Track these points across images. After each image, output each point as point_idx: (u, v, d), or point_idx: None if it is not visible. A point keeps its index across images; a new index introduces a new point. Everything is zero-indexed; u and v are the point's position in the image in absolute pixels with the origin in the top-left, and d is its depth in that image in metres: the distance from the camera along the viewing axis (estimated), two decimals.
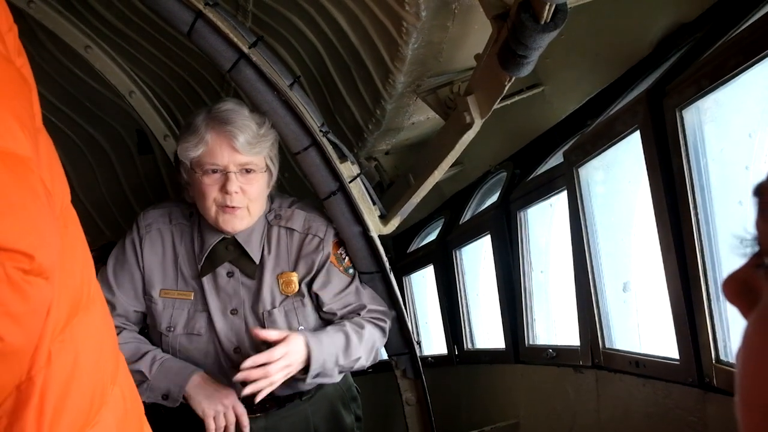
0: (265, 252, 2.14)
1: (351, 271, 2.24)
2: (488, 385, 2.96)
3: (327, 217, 2.23)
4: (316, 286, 2.15)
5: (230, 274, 2.13)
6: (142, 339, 2.16)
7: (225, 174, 2.01)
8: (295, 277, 2.13)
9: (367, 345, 2.14)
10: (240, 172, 2.02)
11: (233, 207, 2.02)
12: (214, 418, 2.00)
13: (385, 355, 2.60)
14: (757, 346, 0.42)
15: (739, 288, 0.45)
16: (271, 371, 1.92)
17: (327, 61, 2.56)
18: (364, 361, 2.16)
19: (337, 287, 2.18)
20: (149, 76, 3.45)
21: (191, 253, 2.15)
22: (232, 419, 2.02)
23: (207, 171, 2.02)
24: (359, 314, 2.20)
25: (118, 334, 2.07)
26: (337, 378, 2.13)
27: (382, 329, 2.24)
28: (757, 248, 0.43)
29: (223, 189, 2.00)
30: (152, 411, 2.90)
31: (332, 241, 2.19)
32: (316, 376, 2.02)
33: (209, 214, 2.05)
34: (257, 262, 2.12)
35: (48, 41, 3.55)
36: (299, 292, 2.14)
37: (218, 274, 2.13)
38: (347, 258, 2.23)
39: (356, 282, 2.23)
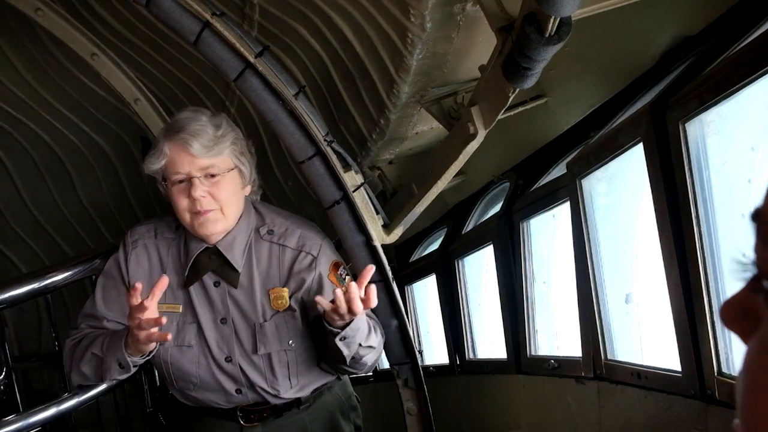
0: (255, 266, 2.14)
1: None
2: (490, 396, 2.96)
3: (321, 234, 2.22)
4: (309, 301, 2.12)
5: (217, 284, 2.15)
6: (100, 333, 2.16)
7: (190, 181, 2.03)
8: (285, 293, 2.13)
9: (378, 343, 2.16)
10: (205, 176, 2.04)
11: (205, 210, 2.04)
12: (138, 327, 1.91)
13: (386, 365, 2.60)
14: (761, 374, 0.41)
15: (738, 313, 0.44)
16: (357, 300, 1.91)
17: (332, 70, 2.58)
18: (373, 358, 2.15)
19: None
20: (154, 84, 3.47)
21: (178, 264, 2.17)
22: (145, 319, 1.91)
23: (174, 181, 2.05)
24: None
25: (81, 340, 2.12)
26: (346, 359, 2.06)
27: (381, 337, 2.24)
28: (755, 272, 0.43)
29: (190, 196, 2.03)
30: (153, 417, 2.91)
31: (331, 262, 2.17)
32: (342, 339, 2.00)
33: (185, 221, 2.08)
34: (239, 270, 2.13)
35: (55, 48, 3.58)
36: (290, 307, 2.14)
37: (206, 284, 2.15)
38: (349, 276, 2.20)
39: None
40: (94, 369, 2.10)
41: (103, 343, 2.08)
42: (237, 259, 2.12)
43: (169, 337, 1.99)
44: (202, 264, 2.13)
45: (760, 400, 0.41)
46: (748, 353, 0.42)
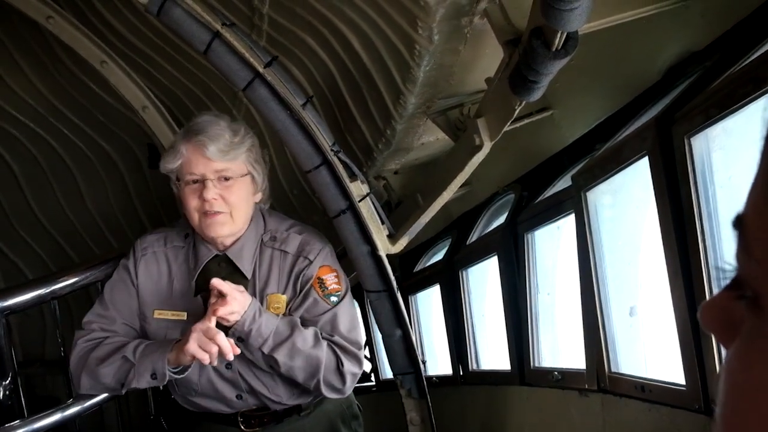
0: (257, 272, 2.15)
1: (333, 299, 2.16)
2: (493, 407, 2.95)
3: (323, 242, 2.21)
4: (293, 306, 2.14)
5: None
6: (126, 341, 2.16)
7: (203, 182, 2.07)
8: (283, 300, 2.14)
9: (306, 360, 2.07)
10: (218, 179, 2.08)
11: (214, 213, 2.07)
12: (198, 345, 1.94)
13: (389, 374, 2.60)
14: (741, 379, 0.41)
15: (720, 317, 0.45)
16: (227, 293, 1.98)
17: (339, 81, 2.60)
18: (294, 370, 2.08)
19: (311, 311, 2.14)
20: (162, 92, 3.50)
21: (186, 273, 2.19)
22: (213, 334, 1.95)
23: (188, 181, 2.09)
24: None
25: (99, 344, 2.10)
26: (259, 360, 2.08)
27: (340, 363, 2.12)
28: (736, 278, 0.43)
29: (202, 197, 2.06)
30: (156, 424, 2.91)
31: (320, 265, 2.15)
32: (239, 340, 2.02)
33: (194, 222, 2.11)
34: (249, 277, 2.14)
35: (64, 55, 3.61)
36: (287, 314, 2.14)
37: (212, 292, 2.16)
38: (334, 285, 2.16)
39: (336, 310, 2.15)
40: (117, 373, 2.06)
41: (136, 349, 2.06)
42: (246, 266, 2.14)
43: (231, 356, 1.97)
44: (211, 272, 2.14)
45: (738, 404, 0.41)
46: (728, 360, 0.43)
